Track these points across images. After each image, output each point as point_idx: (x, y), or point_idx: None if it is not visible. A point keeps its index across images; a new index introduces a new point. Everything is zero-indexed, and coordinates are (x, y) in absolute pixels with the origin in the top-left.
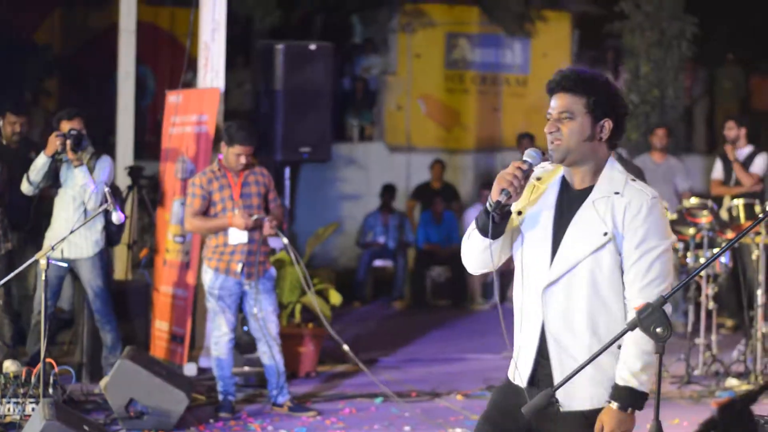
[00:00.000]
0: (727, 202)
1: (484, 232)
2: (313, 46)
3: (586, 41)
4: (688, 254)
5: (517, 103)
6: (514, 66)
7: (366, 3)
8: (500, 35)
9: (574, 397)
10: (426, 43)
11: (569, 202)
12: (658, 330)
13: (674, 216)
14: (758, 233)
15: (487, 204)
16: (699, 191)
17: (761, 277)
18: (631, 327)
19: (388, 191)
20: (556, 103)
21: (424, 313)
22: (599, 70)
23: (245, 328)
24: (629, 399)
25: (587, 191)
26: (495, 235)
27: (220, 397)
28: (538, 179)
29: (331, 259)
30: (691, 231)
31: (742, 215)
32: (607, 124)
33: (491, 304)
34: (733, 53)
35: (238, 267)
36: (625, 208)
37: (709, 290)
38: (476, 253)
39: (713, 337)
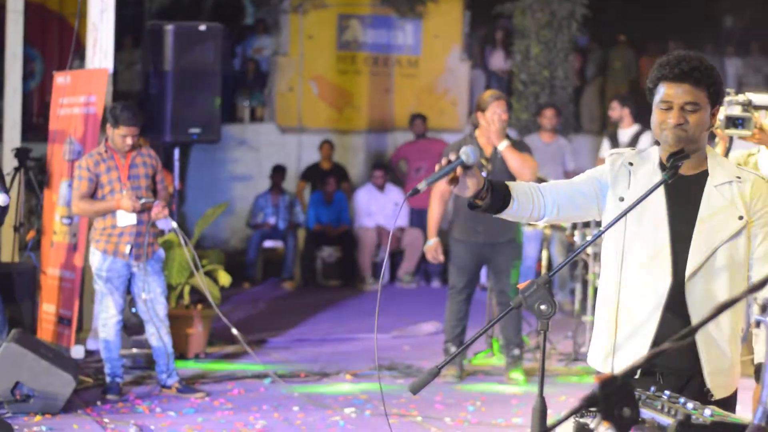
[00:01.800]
0: None
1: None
2: (203, 27)
3: (477, 22)
4: (576, 233)
5: (408, 84)
6: (406, 47)
7: None
8: (392, 16)
9: (724, 387)
10: (318, 25)
11: (682, 188)
12: (543, 307)
13: None
14: None
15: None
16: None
17: None
18: (517, 305)
19: (278, 172)
20: (681, 92)
21: (314, 293)
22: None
23: (133, 309)
24: None
25: (702, 176)
26: (493, 211)
27: (108, 379)
28: (630, 164)
29: (221, 240)
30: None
31: None
32: (717, 113)
33: (382, 284)
34: (624, 34)
35: (126, 249)
36: (750, 192)
37: (596, 268)
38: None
39: None
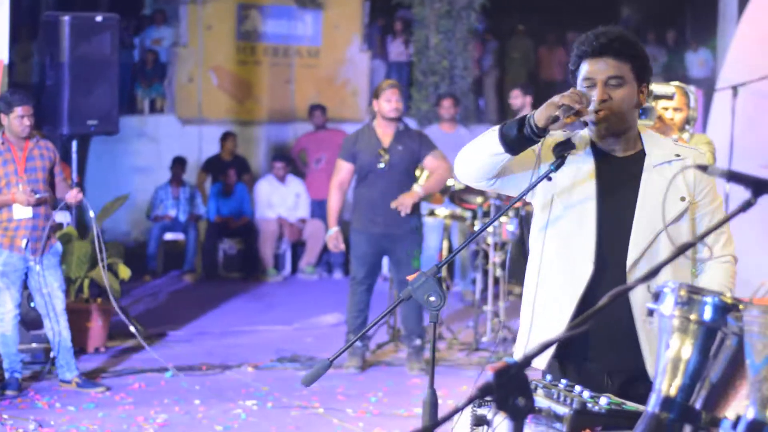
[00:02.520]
0: None
1: (506, 142)
2: (99, 18)
3: (377, 12)
4: (476, 222)
5: (308, 74)
6: (306, 37)
7: None
8: (291, 7)
9: None
10: (217, 15)
11: (615, 170)
12: (432, 299)
13: (462, 186)
14: None
15: (529, 118)
16: None
17: None
18: (407, 297)
19: (179, 164)
20: (603, 66)
21: (215, 285)
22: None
23: (32, 304)
24: None
25: (638, 157)
26: (514, 150)
27: (6, 374)
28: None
29: (122, 233)
30: (479, 200)
31: None
32: (645, 89)
33: (284, 275)
34: (522, 25)
35: (23, 242)
36: (693, 170)
37: (496, 258)
38: (483, 157)
39: (501, 305)
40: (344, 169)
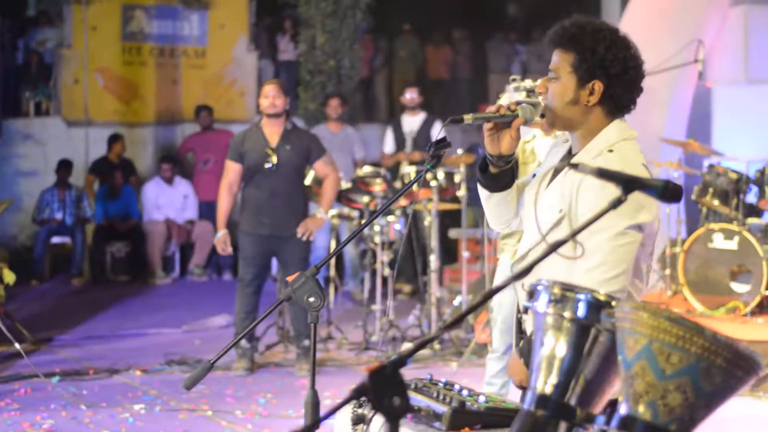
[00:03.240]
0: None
1: (484, 185)
2: None
3: (264, 11)
4: (363, 222)
5: (195, 74)
6: (192, 38)
7: None
8: (177, 7)
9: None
10: (102, 16)
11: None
12: (311, 299)
13: (349, 185)
14: (430, 199)
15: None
16: (378, 160)
17: (434, 243)
18: (286, 298)
19: (64, 166)
20: (553, 58)
21: (103, 288)
22: (599, 21)
23: None
24: None
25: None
26: (492, 187)
27: None
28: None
29: (9, 237)
30: (366, 199)
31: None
32: (597, 87)
33: (173, 277)
34: (409, 23)
35: None
36: (581, 181)
37: (384, 257)
38: (486, 207)
39: (390, 303)
40: (232, 170)
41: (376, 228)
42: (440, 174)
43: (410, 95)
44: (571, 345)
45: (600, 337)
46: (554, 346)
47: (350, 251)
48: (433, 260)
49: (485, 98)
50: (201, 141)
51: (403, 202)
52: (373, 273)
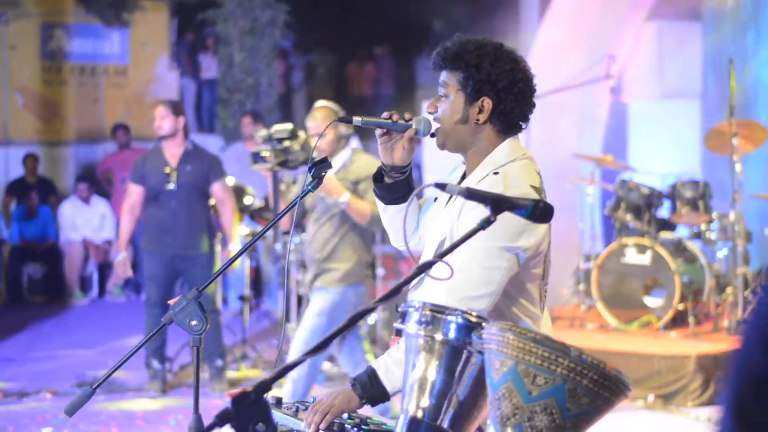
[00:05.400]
0: None
1: (380, 196)
2: None
3: (185, 29)
4: (277, 239)
5: (116, 93)
6: (113, 56)
7: None
8: (97, 25)
9: None
10: (20, 34)
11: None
12: (194, 322)
13: (261, 203)
14: None
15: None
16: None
17: None
18: (168, 321)
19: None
20: (440, 78)
21: (20, 310)
22: (481, 39)
23: None
24: None
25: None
26: (386, 199)
27: None
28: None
29: None
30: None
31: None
32: (486, 104)
33: (90, 298)
34: (328, 41)
35: None
36: (463, 204)
37: (299, 276)
38: (384, 221)
39: (282, 327)
40: (134, 192)
41: (290, 246)
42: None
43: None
44: (442, 367)
45: (472, 359)
46: (426, 368)
47: (267, 269)
48: None
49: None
50: (119, 160)
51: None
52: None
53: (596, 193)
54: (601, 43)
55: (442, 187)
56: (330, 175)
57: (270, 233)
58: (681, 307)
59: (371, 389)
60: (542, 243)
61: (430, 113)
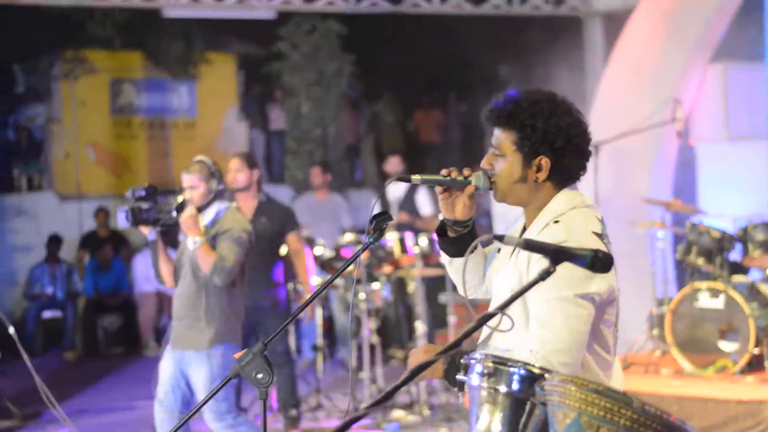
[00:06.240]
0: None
1: (444, 249)
2: None
3: (252, 80)
4: (349, 289)
5: (186, 146)
6: (181, 109)
7: (26, 51)
8: (166, 79)
9: None
10: (90, 90)
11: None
12: (260, 375)
13: (332, 253)
14: (413, 266)
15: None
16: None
17: (419, 309)
18: (234, 375)
19: (54, 241)
20: (494, 137)
21: (96, 362)
22: (534, 92)
23: None
24: None
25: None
26: (450, 252)
27: None
28: None
29: (5, 312)
30: (350, 267)
31: (396, 249)
32: (544, 163)
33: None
34: (396, 89)
35: None
36: (529, 257)
37: (371, 324)
38: (449, 272)
39: (379, 370)
40: None
41: (362, 295)
42: (423, 240)
43: (391, 163)
44: (506, 419)
45: (536, 410)
46: (490, 421)
47: (340, 318)
48: (419, 326)
49: (479, 161)
50: None
51: (386, 268)
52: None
53: (667, 237)
54: (667, 86)
55: (500, 239)
56: (192, 212)
57: (340, 282)
58: (756, 351)
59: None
60: (614, 287)
61: (486, 170)
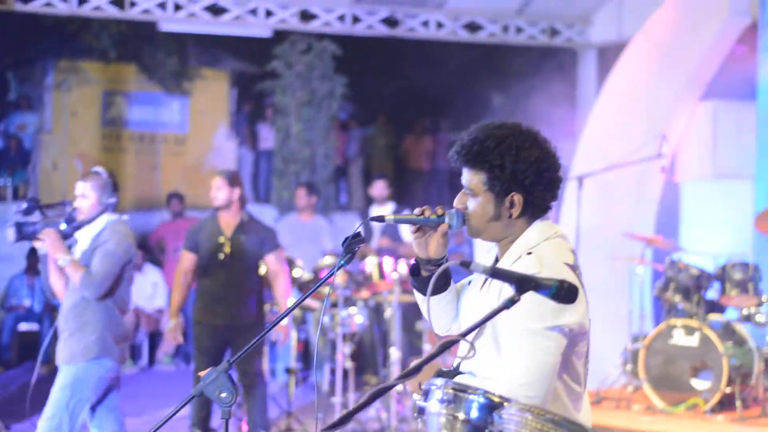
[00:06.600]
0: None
1: (418, 288)
2: None
3: (244, 99)
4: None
5: (175, 161)
6: (172, 124)
7: (20, 59)
8: (158, 93)
9: None
10: (82, 101)
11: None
12: (223, 395)
13: (311, 276)
14: (391, 291)
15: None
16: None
17: (395, 335)
18: (197, 393)
19: (33, 253)
20: (464, 176)
21: None
22: (499, 127)
23: None
24: None
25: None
26: (425, 291)
27: None
28: None
29: None
30: (327, 290)
31: (375, 273)
32: (517, 200)
33: (140, 366)
34: (387, 113)
35: None
36: (501, 287)
37: (345, 349)
38: (424, 311)
39: (351, 396)
40: (187, 259)
41: (337, 318)
42: (403, 266)
43: (377, 187)
44: None
45: None
46: None
47: (315, 342)
48: (394, 352)
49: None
50: (172, 229)
51: (363, 293)
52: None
53: (647, 272)
54: (655, 121)
55: (466, 265)
56: (52, 236)
57: (317, 305)
58: (728, 390)
59: None
60: (585, 320)
61: (458, 209)
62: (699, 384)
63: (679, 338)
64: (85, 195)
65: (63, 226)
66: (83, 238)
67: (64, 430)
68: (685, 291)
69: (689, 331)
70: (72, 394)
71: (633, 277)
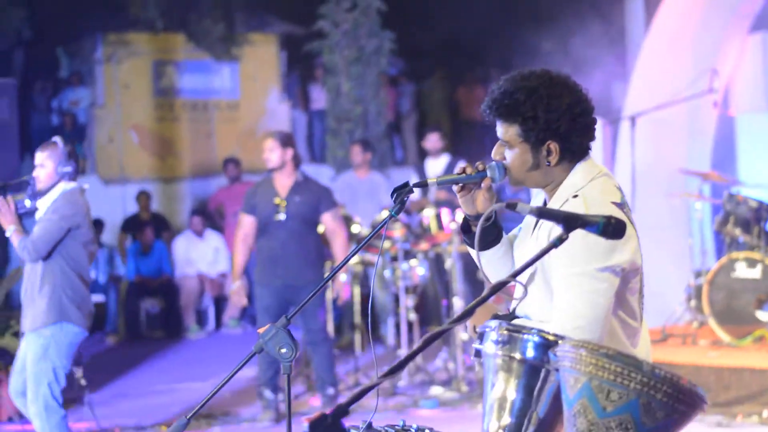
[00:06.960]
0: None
1: (471, 245)
2: None
3: (293, 61)
4: (386, 266)
5: (229, 127)
6: (224, 91)
7: (69, 35)
8: (207, 60)
9: None
10: (133, 73)
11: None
12: (283, 350)
13: (369, 231)
14: (450, 242)
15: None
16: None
17: (457, 285)
18: (258, 350)
19: (95, 225)
20: (498, 129)
21: (138, 345)
22: (528, 77)
23: None
24: None
25: None
26: (478, 246)
27: None
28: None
29: None
30: (386, 244)
31: (433, 226)
32: (553, 147)
33: (207, 331)
34: (438, 66)
35: None
36: (551, 228)
37: (408, 301)
38: (481, 266)
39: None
40: (246, 222)
41: (398, 272)
42: (461, 216)
43: (431, 140)
44: (521, 386)
45: (550, 377)
46: (505, 388)
47: (379, 296)
48: (457, 302)
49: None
50: (230, 194)
51: (423, 245)
52: (398, 317)
53: (705, 208)
54: (705, 56)
55: (512, 207)
56: (5, 207)
57: (380, 260)
58: None
59: None
60: (636, 257)
61: (498, 162)
62: (764, 315)
63: (742, 271)
64: (43, 164)
65: (27, 203)
66: (41, 206)
67: (52, 407)
68: (744, 224)
69: (751, 263)
70: (46, 368)
71: (692, 213)
